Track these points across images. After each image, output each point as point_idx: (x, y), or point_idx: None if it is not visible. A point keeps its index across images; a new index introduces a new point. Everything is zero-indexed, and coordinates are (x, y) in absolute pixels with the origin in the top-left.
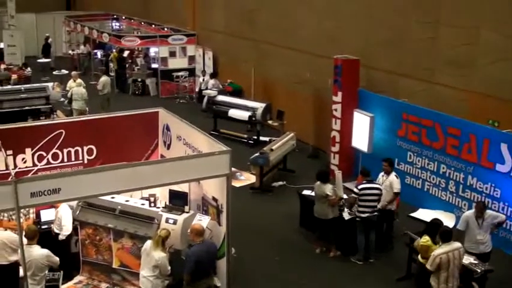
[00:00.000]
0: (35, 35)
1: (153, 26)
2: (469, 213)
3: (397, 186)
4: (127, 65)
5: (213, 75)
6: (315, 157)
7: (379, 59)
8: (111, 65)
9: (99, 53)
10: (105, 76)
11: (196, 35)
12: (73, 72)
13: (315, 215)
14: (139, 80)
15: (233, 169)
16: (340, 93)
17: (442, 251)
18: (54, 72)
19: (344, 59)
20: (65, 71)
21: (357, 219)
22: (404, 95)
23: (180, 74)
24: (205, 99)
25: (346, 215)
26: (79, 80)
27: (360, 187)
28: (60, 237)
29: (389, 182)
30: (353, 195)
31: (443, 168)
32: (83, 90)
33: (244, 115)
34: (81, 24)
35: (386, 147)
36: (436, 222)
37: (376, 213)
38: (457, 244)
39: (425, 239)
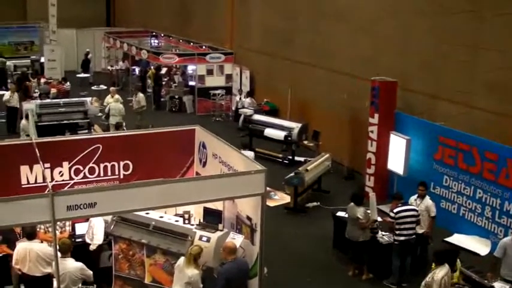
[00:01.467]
0: (75, 50)
1: (191, 43)
2: (507, 239)
3: (433, 210)
4: (164, 82)
5: (250, 94)
6: (349, 178)
7: (416, 81)
8: (149, 81)
9: (137, 70)
10: (141, 94)
11: (233, 54)
12: (111, 88)
13: (346, 236)
14: (176, 97)
15: (268, 188)
16: (376, 115)
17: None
18: (92, 87)
19: (381, 81)
20: (103, 86)
21: (395, 242)
22: (441, 118)
23: (217, 92)
24: (241, 118)
25: (382, 239)
26: (117, 96)
27: (396, 210)
28: (91, 247)
29: (424, 206)
30: (389, 219)
31: (479, 193)
32: (120, 105)
33: (279, 135)
34: (120, 40)
35: (422, 170)
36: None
37: (414, 236)
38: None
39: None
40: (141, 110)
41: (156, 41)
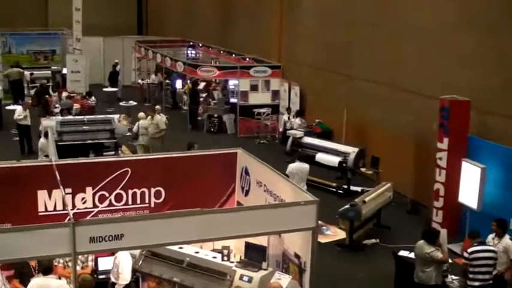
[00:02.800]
0: (101, 61)
1: (233, 55)
2: None
3: None
4: (202, 99)
5: (300, 114)
6: (414, 212)
7: (494, 102)
8: (184, 97)
9: (179, 83)
10: (159, 115)
11: (281, 68)
12: (157, 107)
13: (415, 280)
14: (215, 115)
15: (319, 222)
16: (446, 140)
17: None
18: (120, 103)
19: (452, 100)
20: (133, 102)
21: None
22: None
23: (262, 110)
24: (289, 141)
25: (453, 284)
26: (141, 113)
27: (470, 250)
28: (117, 287)
29: (502, 247)
30: (463, 260)
31: None
32: (148, 123)
33: (333, 160)
34: (153, 50)
35: (500, 204)
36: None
37: (490, 281)
38: None
39: None
40: (160, 135)
41: (194, 52)
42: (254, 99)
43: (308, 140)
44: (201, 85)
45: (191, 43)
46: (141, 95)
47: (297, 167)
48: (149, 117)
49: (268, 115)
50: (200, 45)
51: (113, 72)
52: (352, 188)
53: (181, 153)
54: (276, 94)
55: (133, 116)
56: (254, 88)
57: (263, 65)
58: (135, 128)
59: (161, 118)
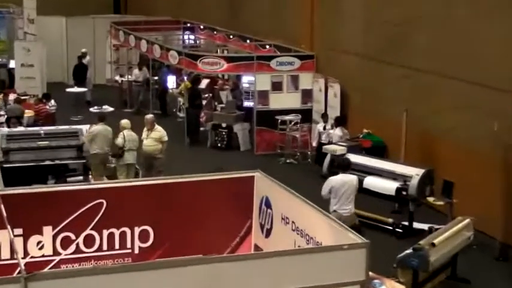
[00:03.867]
0: (64, 51)
1: (248, 42)
2: None
3: None
4: (204, 102)
5: (340, 122)
6: (504, 259)
7: None
8: (180, 100)
9: (171, 81)
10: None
11: (314, 58)
12: (148, 116)
13: None
14: (223, 125)
15: (370, 273)
16: None
17: None
18: (91, 109)
19: None
20: (108, 108)
21: None
22: None
23: (288, 118)
24: (326, 159)
25: None
26: (126, 121)
27: None
28: None
29: None
30: None
31: None
32: (136, 136)
33: (389, 187)
34: (135, 35)
35: None
36: None
37: None
38: None
39: None
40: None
41: (192, 37)
42: (277, 102)
43: (353, 158)
44: (203, 83)
45: (188, 25)
46: (119, 98)
47: (342, 181)
48: (144, 129)
49: (297, 124)
50: (201, 27)
51: (78, 66)
52: (416, 225)
53: (177, 179)
54: (307, 95)
55: (110, 125)
56: (277, 87)
57: (289, 55)
58: (119, 141)
59: (126, 133)
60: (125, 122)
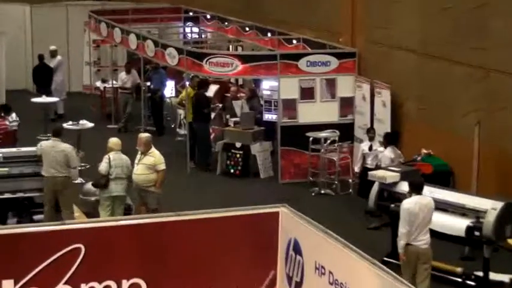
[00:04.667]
0: (28, 49)
1: (269, 35)
2: None
3: None
4: (213, 115)
5: (391, 140)
6: None
7: None
8: (181, 113)
9: (168, 87)
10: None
11: (357, 56)
12: (143, 136)
13: None
14: (237, 145)
15: None
16: None
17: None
18: (65, 125)
19: None
20: (86, 123)
21: None
22: None
23: (322, 135)
24: (373, 190)
25: None
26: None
27: None
28: None
29: None
30: None
31: None
32: (127, 159)
33: (457, 226)
34: (121, 28)
35: None
36: None
37: None
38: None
39: None
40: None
41: (197, 30)
42: (308, 114)
43: (408, 187)
44: (211, 90)
45: (191, 14)
46: (101, 110)
47: (420, 204)
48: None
49: (335, 143)
50: (208, 17)
51: (39, 67)
52: (493, 276)
53: (176, 217)
54: (347, 104)
55: (89, 146)
56: (308, 94)
57: (324, 52)
58: (103, 167)
59: (121, 158)
60: (113, 141)
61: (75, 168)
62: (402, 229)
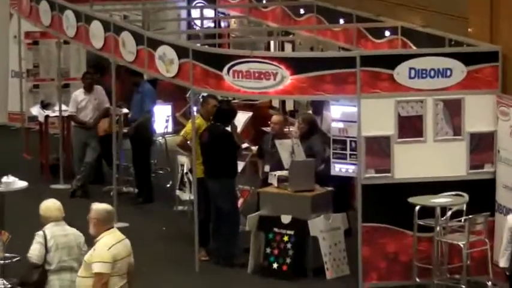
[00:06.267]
0: None
1: (341, 22)
2: None
3: None
4: (241, 165)
5: None
6: None
7: None
8: (182, 162)
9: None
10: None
11: (500, 60)
12: (98, 208)
13: None
14: (283, 220)
15: None
16: None
17: None
18: None
19: None
20: (13, 182)
21: None
22: None
23: (439, 201)
24: None
25: None
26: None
27: None
28: None
29: None
30: None
31: None
32: (76, 234)
33: None
34: (76, 10)
35: None
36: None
37: None
38: None
39: None
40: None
41: (211, 14)
42: (412, 164)
43: None
44: (239, 121)
45: None
46: (40, 157)
47: None
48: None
49: (461, 216)
50: None
51: None
52: None
53: None
54: (484, 146)
55: (19, 223)
56: (411, 128)
57: (441, 53)
58: (34, 251)
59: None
60: (47, 206)
61: None
62: None
